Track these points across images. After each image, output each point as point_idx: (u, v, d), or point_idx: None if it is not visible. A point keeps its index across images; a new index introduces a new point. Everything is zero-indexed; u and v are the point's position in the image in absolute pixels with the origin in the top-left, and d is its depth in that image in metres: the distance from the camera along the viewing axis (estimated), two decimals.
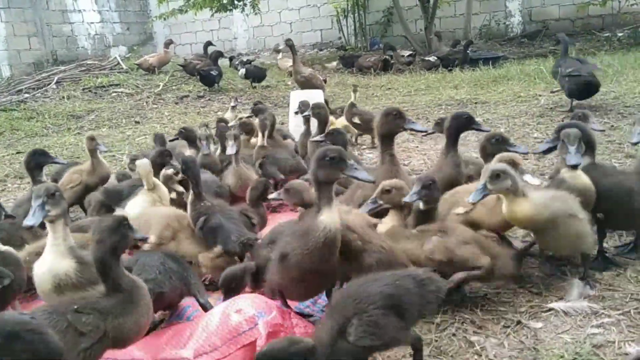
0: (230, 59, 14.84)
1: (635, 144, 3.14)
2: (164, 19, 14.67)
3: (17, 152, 7.76)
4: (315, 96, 6.54)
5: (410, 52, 13.64)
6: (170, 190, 3.84)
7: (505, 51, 13.74)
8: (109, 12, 19.03)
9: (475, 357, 2.25)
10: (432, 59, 12.71)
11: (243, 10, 14.77)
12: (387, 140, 3.46)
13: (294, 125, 6.39)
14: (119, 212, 3.71)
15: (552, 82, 8.91)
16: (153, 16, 17.48)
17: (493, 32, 15.73)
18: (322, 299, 2.79)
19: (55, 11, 17.25)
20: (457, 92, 9.38)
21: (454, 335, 2.41)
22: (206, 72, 11.45)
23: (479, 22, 15.88)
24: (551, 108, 7.17)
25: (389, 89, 10.83)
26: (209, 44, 13.59)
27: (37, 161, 3.94)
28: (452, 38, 14.62)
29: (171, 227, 3.18)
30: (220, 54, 12.08)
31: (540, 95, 8.07)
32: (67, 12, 17.65)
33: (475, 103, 8.30)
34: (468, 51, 12.30)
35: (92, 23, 18.42)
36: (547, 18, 15.33)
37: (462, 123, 3.53)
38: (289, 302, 2.61)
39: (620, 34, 13.37)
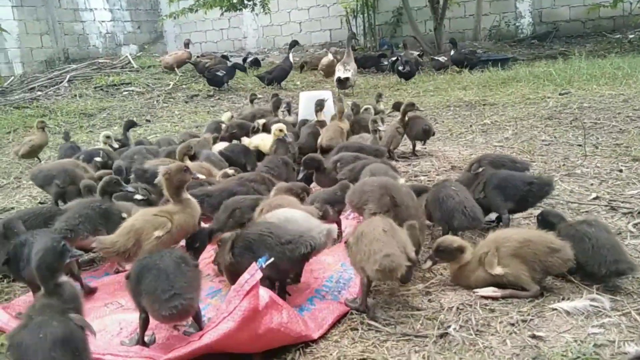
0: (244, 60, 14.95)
1: None
2: (174, 17, 14.81)
3: None
4: (324, 97, 6.61)
5: (419, 52, 13.67)
6: None
7: (515, 53, 13.74)
8: (120, 10, 19.21)
9: (478, 355, 2.30)
10: (442, 59, 12.71)
11: (253, 9, 14.88)
12: None
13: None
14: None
15: (560, 84, 8.92)
16: (163, 15, 17.64)
17: (503, 33, 15.72)
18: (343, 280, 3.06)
19: (67, 9, 17.45)
20: (465, 94, 9.40)
21: (457, 332, 2.47)
22: (212, 74, 11.55)
23: (489, 23, 15.89)
24: (559, 111, 7.18)
25: (398, 89, 10.87)
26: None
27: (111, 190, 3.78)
28: (461, 39, 14.66)
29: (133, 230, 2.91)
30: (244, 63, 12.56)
31: (548, 98, 8.07)
32: (78, 11, 17.86)
33: (484, 105, 8.32)
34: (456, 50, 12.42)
35: (103, 22, 18.62)
36: (558, 19, 15.31)
37: None
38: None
39: (631, 36, 13.33)
